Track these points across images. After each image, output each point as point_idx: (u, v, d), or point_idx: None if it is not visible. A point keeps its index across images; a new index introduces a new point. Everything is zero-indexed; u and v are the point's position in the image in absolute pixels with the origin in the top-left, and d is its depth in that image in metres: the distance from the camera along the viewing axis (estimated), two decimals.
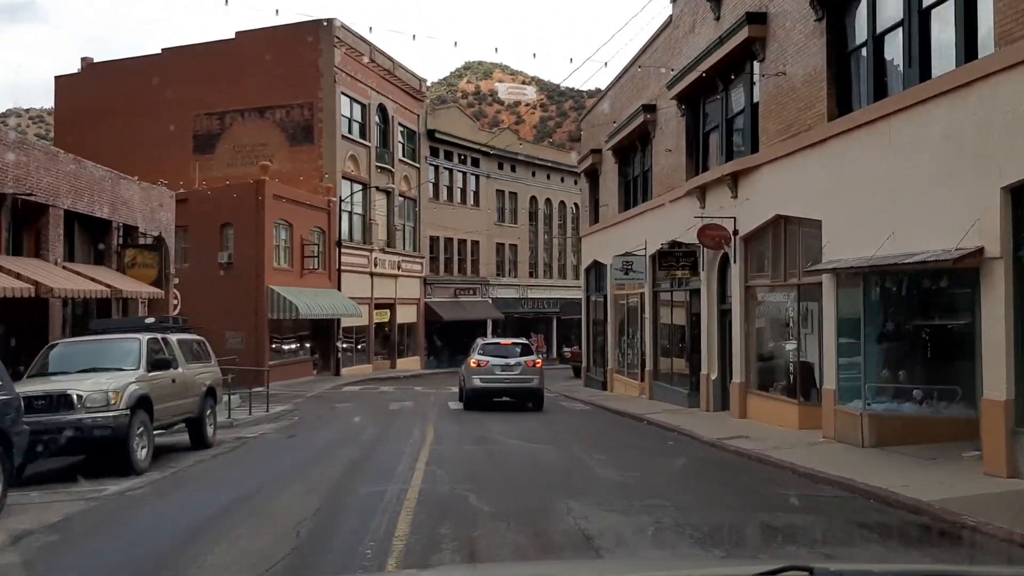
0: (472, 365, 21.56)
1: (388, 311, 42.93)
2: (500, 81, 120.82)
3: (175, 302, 26.14)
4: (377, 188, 41.26)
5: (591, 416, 21.57)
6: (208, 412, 14.89)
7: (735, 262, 17.46)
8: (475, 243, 51.10)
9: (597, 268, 30.74)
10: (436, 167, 48.11)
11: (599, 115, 29.94)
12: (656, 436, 16.49)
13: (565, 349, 58.36)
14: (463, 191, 50.49)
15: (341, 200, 37.11)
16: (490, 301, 51.74)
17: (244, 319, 31.38)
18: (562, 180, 58.23)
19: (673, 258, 19.52)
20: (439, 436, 15.84)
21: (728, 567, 3.97)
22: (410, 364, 44.83)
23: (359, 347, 40.19)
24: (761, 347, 17.28)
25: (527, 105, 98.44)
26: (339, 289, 36.97)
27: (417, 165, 46.03)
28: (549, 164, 56.91)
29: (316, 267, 35.19)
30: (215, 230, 32.64)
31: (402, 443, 14.76)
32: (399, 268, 43.30)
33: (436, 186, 48.19)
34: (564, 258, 59.12)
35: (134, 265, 20.31)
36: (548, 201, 57.52)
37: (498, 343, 23.27)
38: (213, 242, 32.55)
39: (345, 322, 37.45)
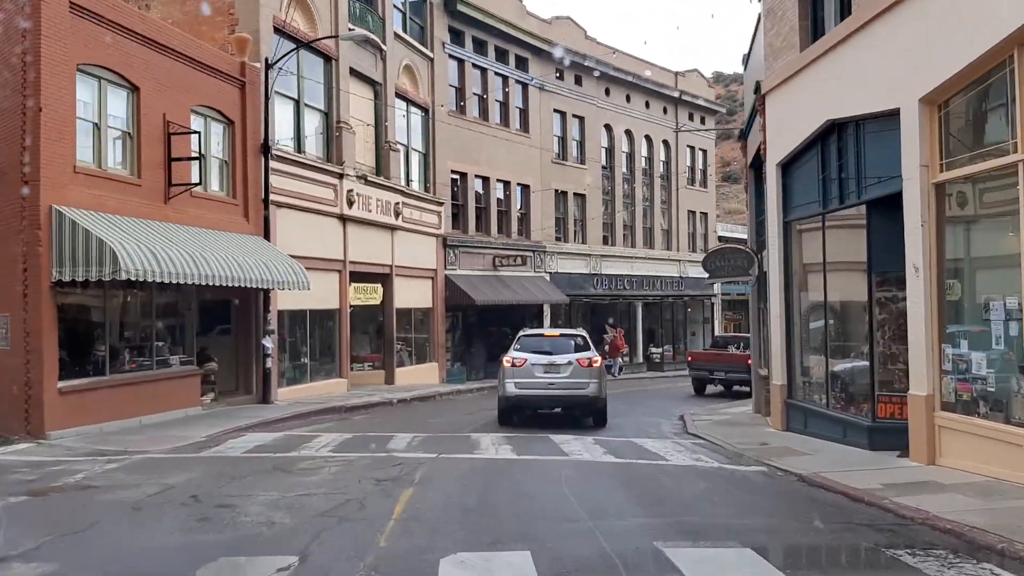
0: (506, 365, 16.21)
1: (379, 287, 25.10)
2: None
3: None
4: (352, 68, 23.45)
5: None
6: None
7: None
8: (523, 188, 33.10)
9: (833, 142, 12.42)
10: (460, 61, 30.15)
11: None
12: None
13: (652, 350, 40.54)
14: (504, 107, 32.40)
15: (270, 65, 19.33)
16: (547, 277, 33.67)
17: (5, 284, 13.78)
18: (647, 106, 39.96)
19: None
20: None
21: None
22: (422, 375, 26.97)
23: (315, 348, 22.32)
24: None
25: None
26: (267, 237, 19.23)
27: (430, 54, 28.18)
28: (631, 80, 38.55)
29: (204, 186, 17.40)
30: None
31: None
32: (397, 215, 25.41)
33: (461, 92, 30.18)
34: (651, 219, 40.70)
35: None
36: (629, 133, 39.19)
37: (541, 335, 17.92)
38: None
39: (283, 301, 19.72)
